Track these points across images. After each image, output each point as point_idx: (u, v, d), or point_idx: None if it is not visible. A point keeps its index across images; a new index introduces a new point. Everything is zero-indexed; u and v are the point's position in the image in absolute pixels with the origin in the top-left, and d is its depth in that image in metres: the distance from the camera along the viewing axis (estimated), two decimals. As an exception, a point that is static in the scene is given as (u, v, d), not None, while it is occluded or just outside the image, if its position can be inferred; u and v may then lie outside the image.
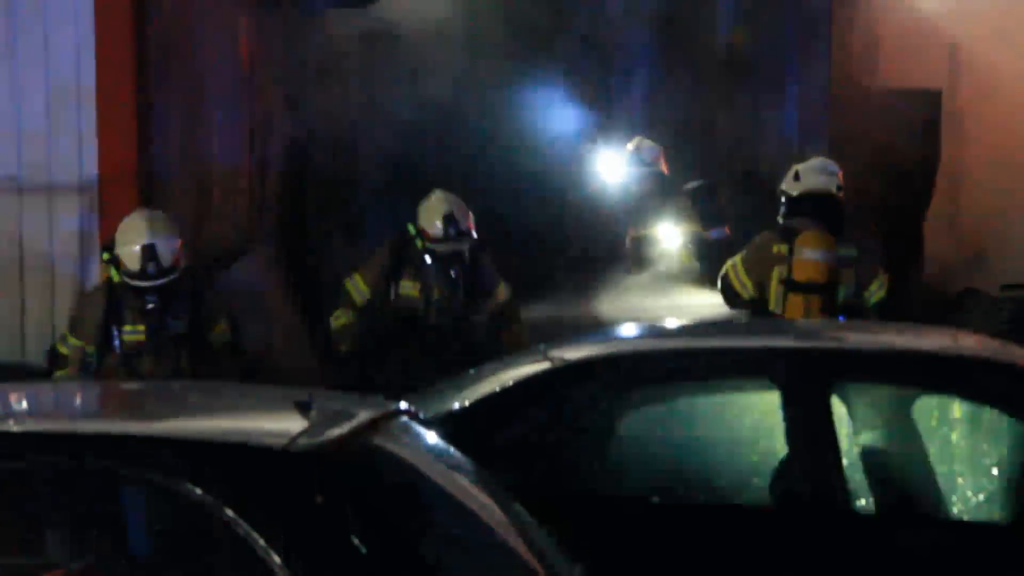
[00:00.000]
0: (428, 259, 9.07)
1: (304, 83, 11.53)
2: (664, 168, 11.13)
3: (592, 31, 13.40)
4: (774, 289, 9.02)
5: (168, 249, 7.82)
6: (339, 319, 9.10)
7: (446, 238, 9.04)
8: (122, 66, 8.96)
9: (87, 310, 8.05)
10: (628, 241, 11.26)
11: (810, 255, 8.85)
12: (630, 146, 11.22)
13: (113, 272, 7.85)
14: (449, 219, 9.04)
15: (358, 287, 9.07)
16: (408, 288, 9.08)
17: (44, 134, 9.06)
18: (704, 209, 10.93)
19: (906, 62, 13.55)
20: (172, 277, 7.81)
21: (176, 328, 7.94)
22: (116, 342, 7.90)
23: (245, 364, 8.16)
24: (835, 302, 8.90)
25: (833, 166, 9.49)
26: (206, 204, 9.90)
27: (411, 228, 9.10)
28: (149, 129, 9.15)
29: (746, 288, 9.05)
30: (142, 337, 7.91)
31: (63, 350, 8.06)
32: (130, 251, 7.78)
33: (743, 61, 13.18)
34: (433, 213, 9.08)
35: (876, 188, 12.83)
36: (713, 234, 10.88)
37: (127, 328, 7.91)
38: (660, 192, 11.07)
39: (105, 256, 7.91)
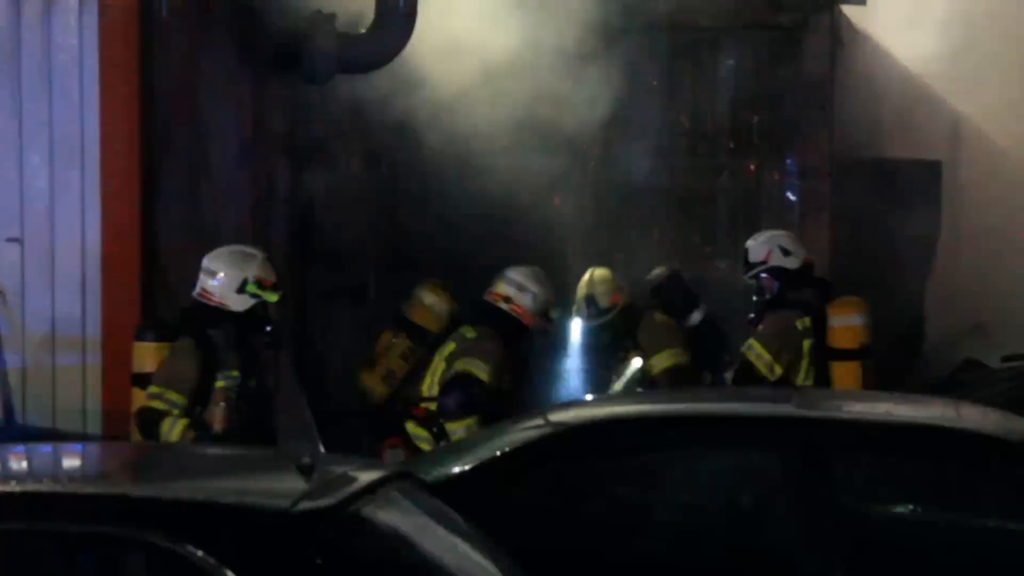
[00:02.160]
0: None
1: (309, 150, 11.58)
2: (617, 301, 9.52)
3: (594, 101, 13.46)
4: (805, 363, 9.00)
5: None
6: None
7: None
8: (127, 133, 9.01)
9: (182, 363, 7.80)
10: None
11: (854, 320, 8.84)
12: (582, 284, 9.63)
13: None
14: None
15: None
16: None
17: (47, 197, 9.10)
18: (672, 298, 9.66)
19: (907, 133, 13.61)
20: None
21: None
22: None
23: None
24: None
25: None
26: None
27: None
28: (153, 195, 9.18)
29: (773, 370, 9.02)
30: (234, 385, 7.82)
31: (159, 406, 7.77)
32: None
33: (744, 131, 13.21)
34: None
35: (876, 259, 12.86)
36: (691, 320, 9.93)
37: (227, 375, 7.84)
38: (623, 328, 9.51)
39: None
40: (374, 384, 8.89)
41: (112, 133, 9.02)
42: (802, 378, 8.99)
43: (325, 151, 11.84)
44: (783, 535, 6.16)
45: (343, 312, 11.79)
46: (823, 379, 8.96)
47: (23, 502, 4.65)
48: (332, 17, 11.05)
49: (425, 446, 8.56)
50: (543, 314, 8.89)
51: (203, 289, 7.93)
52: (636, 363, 9.38)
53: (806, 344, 8.99)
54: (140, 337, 8.01)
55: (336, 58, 10.95)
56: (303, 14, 11.02)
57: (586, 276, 9.62)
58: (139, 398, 7.90)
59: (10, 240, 9.15)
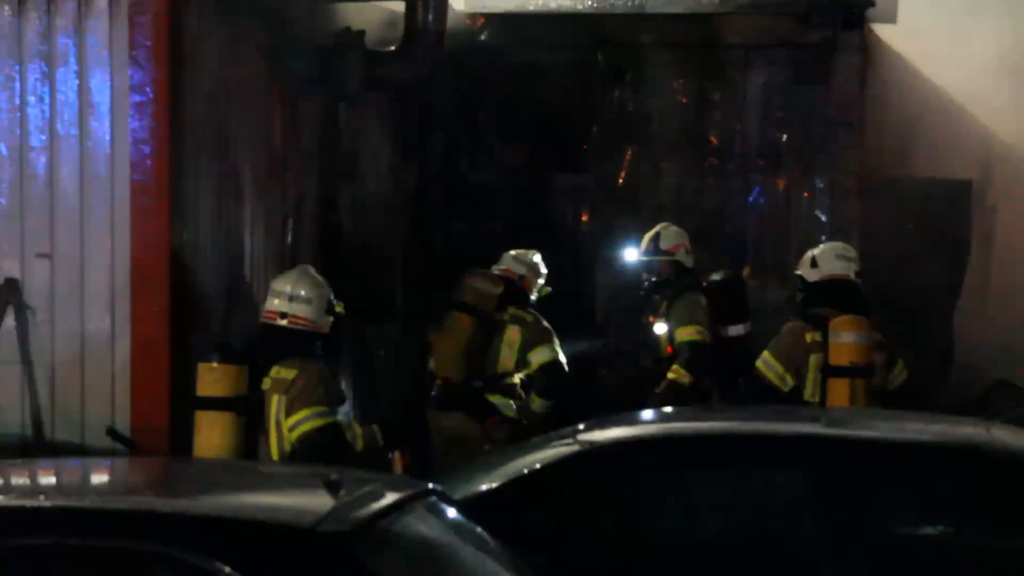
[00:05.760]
0: None
1: (338, 166, 11.59)
2: (683, 256, 10.50)
3: (625, 117, 13.45)
4: (811, 378, 9.00)
5: None
6: None
7: None
8: (157, 149, 9.02)
9: (330, 384, 7.87)
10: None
11: (848, 338, 8.82)
12: (650, 232, 10.73)
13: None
14: None
15: None
16: None
17: (77, 214, 9.12)
18: (727, 304, 10.35)
19: (937, 152, 13.56)
20: None
21: None
22: None
23: None
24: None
25: (851, 251, 9.51)
26: (237, 288, 9.93)
27: None
28: (182, 211, 9.19)
29: (785, 381, 9.02)
30: None
31: (337, 419, 7.81)
32: None
33: (773, 149, 13.18)
34: None
35: (906, 278, 12.81)
36: (731, 330, 10.34)
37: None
38: (675, 281, 10.41)
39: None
40: (455, 370, 9.76)
41: (142, 150, 9.04)
42: (809, 392, 8.99)
43: (356, 167, 11.85)
44: (812, 556, 6.14)
45: (371, 329, 11.80)
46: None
47: (51, 517, 4.66)
48: (362, 34, 11.07)
49: (510, 413, 9.79)
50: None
51: (293, 315, 7.89)
52: (659, 329, 10.29)
53: (813, 358, 8.99)
54: (206, 358, 7.87)
55: (366, 75, 10.96)
56: (333, 31, 11.05)
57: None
58: (203, 419, 7.76)
59: (40, 256, 9.18)
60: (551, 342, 9.90)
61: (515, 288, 10.03)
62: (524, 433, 9.24)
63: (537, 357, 9.86)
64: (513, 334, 9.88)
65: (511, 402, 9.85)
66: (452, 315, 9.84)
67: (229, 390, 7.61)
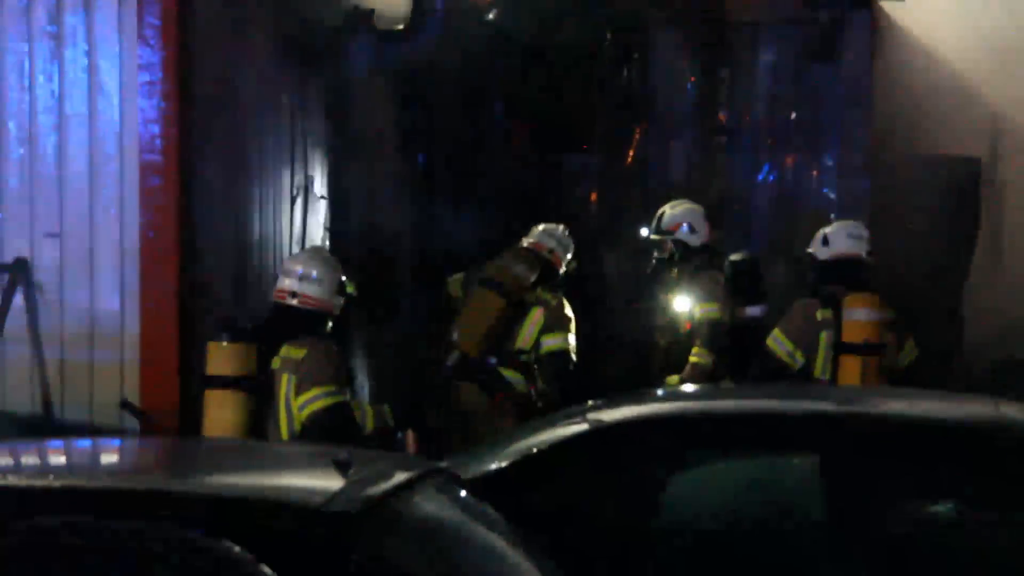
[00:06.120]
0: None
1: (347, 149, 11.59)
2: (684, 235, 10.50)
3: (630, 98, 13.43)
4: (822, 355, 9.00)
5: None
6: None
7: None
8: (166, 129, 9.04)
9: (341, 363, 7.87)
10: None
11: (861, 316, 8.81)
12: (661, 210, 10.73)
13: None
14: None
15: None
16: None
17: (86, 193, 9.14)
18: (745, 284, 10.41)
19: (947, 130, 13.55)
20: None
21: None
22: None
23: None
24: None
25: (862, 230, 9.50)
26: (245, 271, 9.95)
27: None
28: (191, 191, 9.21)
29: (795, 359, 9.02)
30: None
31: (348, 399, 7.79)
32: None
33: (782, 128, 13.17)
34: None
35: (916, 255, 12.81)
36: (748, 311, 10.39)
37: None
38: (681, 259, 10.48)
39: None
40: (476, 346, 9.83)
41: (151, 129, 9.05)
42: (819, 370, 8.98)
43: (363, 150, 11.85)
44: (821, 539, 6.13)
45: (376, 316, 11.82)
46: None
47: (59, 497, 4.66)
48: (370, 14, 11.06)
49: (522, 388, 9.88)
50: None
51: (304, 295, 7.89)
52: (679, 306, 10.32)
53: (823, 336, 8.98)
54: (215, 337, 7.87)
55: (374, 55, 10.96)
56: (341, 11, 11.04)
57: None
58: (212, 398, 7.76)
59: (49, 235, 9.20)
60: (566, 329, 9.90)
61: (545, 264, 10.03)
62: (534, 411, 9.38)
63: (548, 343, 9.89)
64: (537, 315, 9.92)
65: (523, 378, 9.91)
66: (478, 291, 9.88)
67: (238, 369, 7.60)
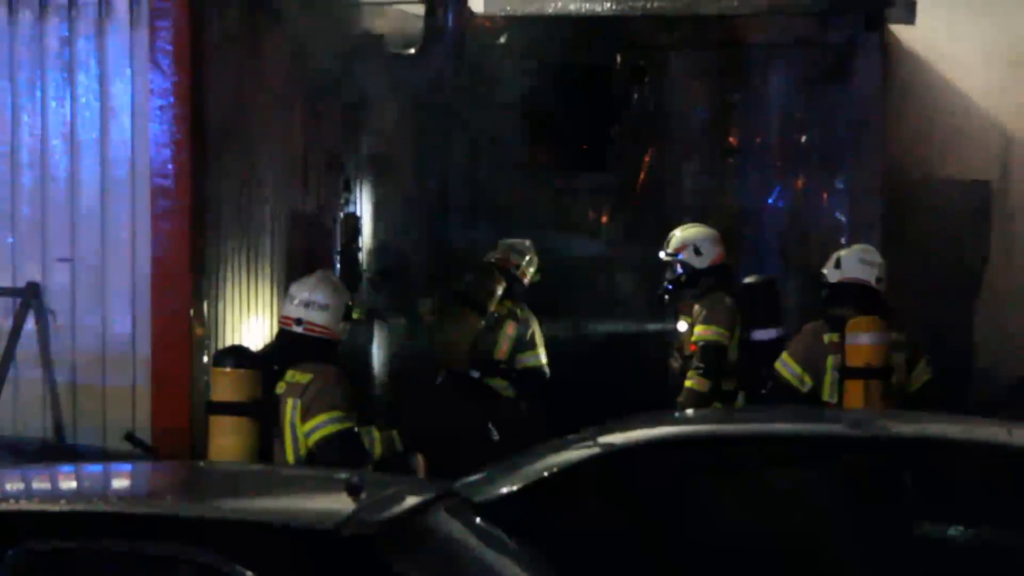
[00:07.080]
0: None
1: (359, 169, 11.61)
2: (690, 257, 10.17)
3: (645, 119, 13.45)
4: (829, 379, 8.99)
5: None
6: None
7: None
8: (178, 153, 9.04)
9: (348, 390, 7.75)
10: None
11: (864, 340, 8.80)
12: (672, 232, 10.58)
13: None
14: None
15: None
16: None
17: (98, 217, 9.15)
18: (756, 308, 10.05)
19: (957, 153, 13.55)
20: None
21: None
22: None
23: None
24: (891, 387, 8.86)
25: (875, 256, 9.47)
26: (258, 292, 9.95)
27: None
28: (203, 215, 9.21)
29: (804, 382, 9.01)
30: None
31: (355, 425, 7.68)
32: None
33: (794, 149, 13.17)
34: None
35: (928, 278, 12.80)
36: (756, 335, 10.16)
37: None
38: (688, 282, 10.16)
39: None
40: (462, 362, 10.42)
41: (163, 154, 9.06)
42: (827, 393, 8.97)
43: (375, 171, 11.87)
44: (833, 558, 6.13)
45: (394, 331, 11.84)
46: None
47: (72, 521, 4.67)
48: (381, 38, 11.08)
49: (508, 394, 10.60)
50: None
51: (309, 322, 7.82)
52: (680, 327, 10.28)
53: (830, 359, 8.98)
54: (220, 363, 7.83)
55: (385, 79, 10.98)
56: (353, 35, 11.06)
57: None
58: (217, 424, 7.74)
59: (60, 260, 9.21)
60: (537, 345, 10.70)
61: (510, 277, 10.67)
62: (523, 416, 10.36)
63: (524, 360, 10.66)
64: (510, 328, 10.62)
65: (507, 384, 10.58)
66: (456, 309, 10.49)
67: (243, 395, 7.59)
